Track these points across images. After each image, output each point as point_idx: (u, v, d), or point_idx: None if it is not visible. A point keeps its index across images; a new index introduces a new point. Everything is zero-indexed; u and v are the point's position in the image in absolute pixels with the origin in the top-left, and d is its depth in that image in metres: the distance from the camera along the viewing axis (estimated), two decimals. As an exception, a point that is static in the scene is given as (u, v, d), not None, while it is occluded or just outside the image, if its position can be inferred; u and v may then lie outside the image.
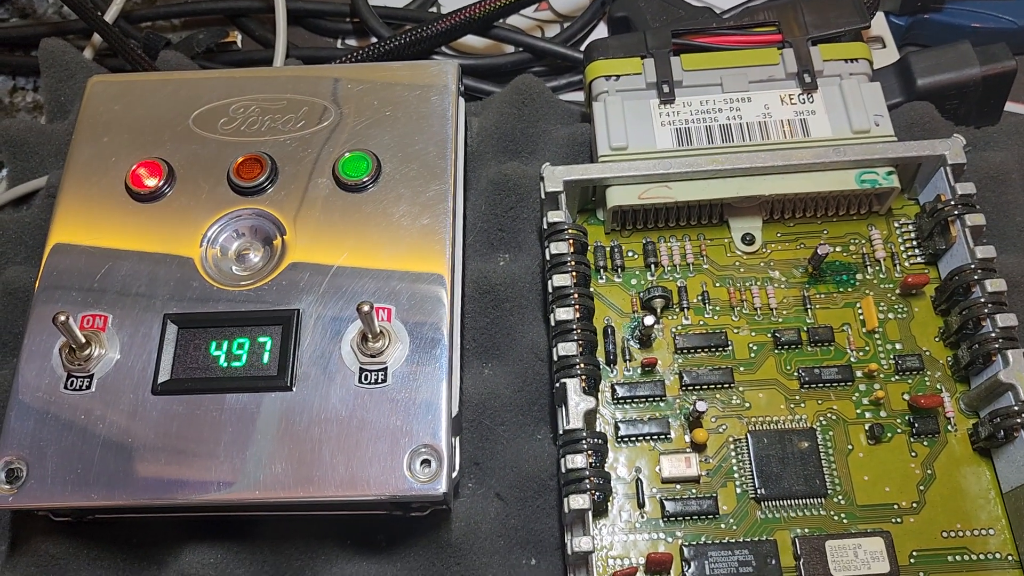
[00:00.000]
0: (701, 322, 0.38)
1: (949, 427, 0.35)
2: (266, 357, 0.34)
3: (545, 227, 0.37)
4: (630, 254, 0.39)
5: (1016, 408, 0.33)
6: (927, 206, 0.38)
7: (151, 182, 0.37)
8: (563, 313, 0.35)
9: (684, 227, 0.39)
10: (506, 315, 0.39)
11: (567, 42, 0.50)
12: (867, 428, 0.35)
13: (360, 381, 0.33)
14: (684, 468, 0.35)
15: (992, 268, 0.35)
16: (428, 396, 0.33)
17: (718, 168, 0.37)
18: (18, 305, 0.39)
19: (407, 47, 0.47)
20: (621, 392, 0.36)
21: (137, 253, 0.36)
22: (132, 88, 0.40)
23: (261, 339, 0.34)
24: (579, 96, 0.48)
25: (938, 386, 0.36)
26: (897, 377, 0.36)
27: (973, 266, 0.35)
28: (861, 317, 0.37)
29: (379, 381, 0.33)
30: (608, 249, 0.39)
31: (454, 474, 0.33)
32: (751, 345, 0.37)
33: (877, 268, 0.38)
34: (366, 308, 0.32)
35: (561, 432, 0.34)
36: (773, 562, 0.33)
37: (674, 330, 0.37)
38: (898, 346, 0.37)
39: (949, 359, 0.36)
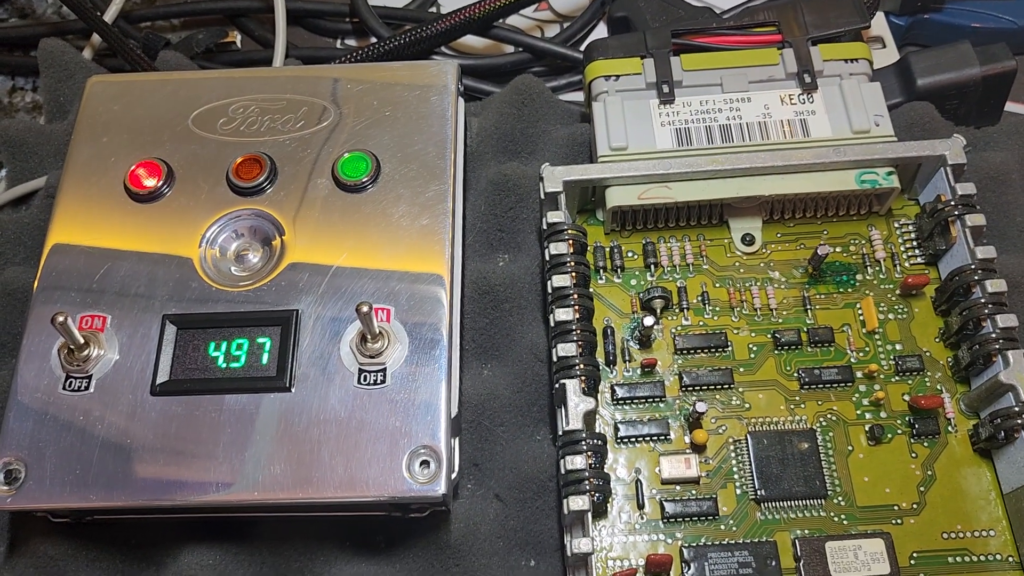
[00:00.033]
0: (701, 323, 0.37)
1: (949, 428, 0.35)
2: (265, 358, 0.34)
3: (545, 227, 0.37)
4: (630, 254, 0.39)
5: (1017, 409, 0.33)
6: (927, 206, 0.38)
7: (150, 182, 0.37)
8: (562, 314, 0.35)
9: (684, 227, 0.39)
10: (505, 316, 0.38)
11: (567, 42, 0.50)
12: (867, 429, 0.35)
13: (359, 382, 0.33)
14: (684, 469, 0.34)
15: (992, 268, 0.35)
16: (427, 397, 0.33)
17: (718, 168, 0.37)
18: (17, 306, 0.39)
19: (407, 47, 0.47)
20: (621, 393, 0.36)
21: (136, 254, 0.36)
22: (131, 88, 0.40)
23: (260, 340, 0.34)
24: (579, 96, 0.48)
25: (938, 387, 0.36)
26: (897, 378, 0.36)
27: (973, 266, 0.35)
28: (861, 318, 0.37)
29: (378, 382, 0.33)
30: (608, 249, 0.39)
31: (453, 475, 0.33)
32: (751, 346, 0.37)
33: (877, 268, 0.38)
34: (365, 309, 0.32)
35: (560, 433, 0.34)
36: (773, 563, 0.33)
37: (674, 331, 0.37)
38: (898, 347, 0.37)
39: (949, 360, 0.36)
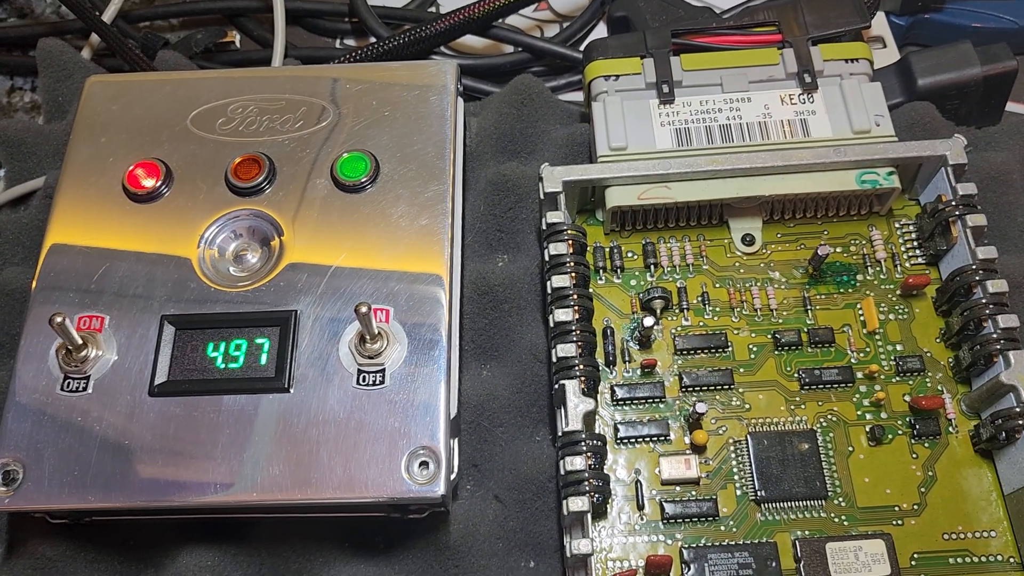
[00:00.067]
0: (701, 323, 0.37)
1: (950, 429, 0.35)
2: (264, 358, 0.34)
3: (544, 228, 0.37)
4: (629, 255, 0.39)
5: (1018, 409, 0.33)
6: (928, 206, 0.38)
7: (149, 183, 0.37)
8: (562, 314, 0.35)
9: (684, 228, 0.39)
10: (505, 316, 0.38)
11: (566, 42, 0.50)
12: (868, 430, 0.35)
13: (358, 382, 0.33)
14: (684, 470, 0.34)
15: (993, 269, 0.35)
16: (426, 398, 0.33)
17: (718, 168, 0.37)
18: (15, 306, 0.39)
19: (406, 47, 0.47)
20: (620, 393, 0.36)
21: (134, 254, 0.36)
22: (130, 88, 0.40)
23: (259, 340, 0.34)
24: (578, 96, 0.48)
25: (939, 387, 0.36)
26: (898, 378, 0.36)
27: (974, 267, 0.35)
28: (862, 318, 0.37)
29: (377, 382, 0.33)
30: (607, 250, 0.39)
31: (452, 476, 0.33)
32: (751, 346, 0.37)
33: (878, 269, 0.38)
34: (364, 309, 0.31)
35: (560, 434, 0.33)
36: (773, 564, 0.33)
37: (674, 331, 0.37)
38: (899, 347, 0.37)
39: (950, 360, 0.36)
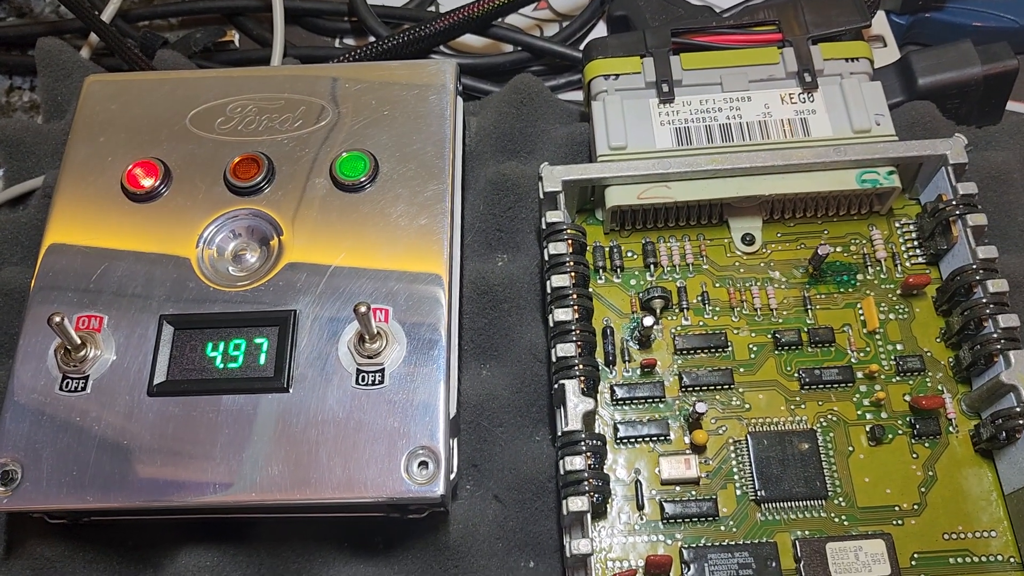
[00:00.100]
0: (701, 323, 0.37)
1: (950, 428, 0.35)
2: (263, 358, 0.34)
3: (544, 227, 0.37)
4: (629, 254, 0.39)
5: (1018, 409, 0.33)
6: (928, 206, 0.38)
7: (147, 182, 0.37)
8: (562, 314, 0.35)
9: (684, 227, 0.39)
10: (504, 316, 0.38)
11: (566, 41, 0.50)
12: (868, 429, 0.35)
13: (357, 382, 0.33)
14: (684, 470, 0.34)
15: (994, 268, 0.35)
16: (426, 397, 0.33)
17: (718, 168, 0.37)
18: (14, 306, 0.39)
19: (405, 46, 0.46)
20: (620, 393, 0.36)
21: (133, 253, 0.36)
22: (129, 88, 0.40)
23: (258, 340, 0.34)
24: (578, 95, 0.48)
25: (939, 387, 0.36)
26: (898, 378, 0.36)
27: (975, 266, 0.35)
28: (862, 318, 0.37)
29: (376, 382, 0.33)
30: (607, 249, 0.39)
31: (452, 476, 0.33)
32: (751, 346, 0.37)
33: (878, 268, 0.38)
34: (363, 309, 0.31)
35: (560, 434, 0.33)
36: (773, 564, 0.33)
37: (673, 331, 0.37)
38: (899, 347, 0.37)
39: (950, 360, 0.36)
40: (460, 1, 0.47)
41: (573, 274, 0.36)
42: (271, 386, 0.33)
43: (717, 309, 0.38)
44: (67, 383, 0.34)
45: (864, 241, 0.39)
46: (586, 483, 0.32)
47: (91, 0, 0.49)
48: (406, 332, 0.34)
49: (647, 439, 0.35)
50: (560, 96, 0.47)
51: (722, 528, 0.34)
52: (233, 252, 0.36)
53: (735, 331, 0.37)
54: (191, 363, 0.34)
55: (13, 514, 0.35)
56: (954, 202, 0.36)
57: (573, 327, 0.35)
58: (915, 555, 0.33)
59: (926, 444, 0.35)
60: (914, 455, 0.35)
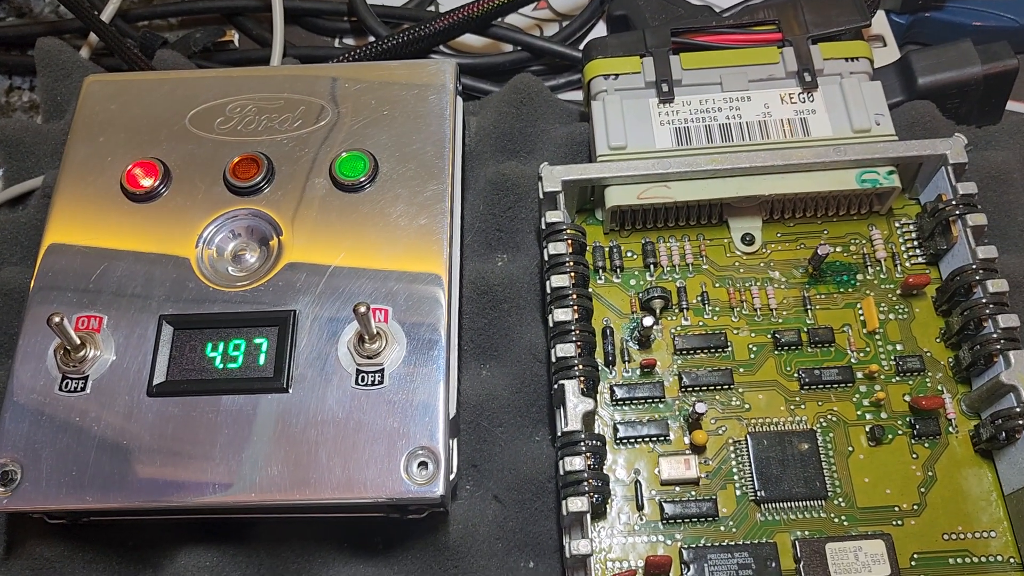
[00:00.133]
0: (700, 323, 0.37)
1: (950, 429, 0.35)
2: (262, 358, 0.34)
3: (543, 227, 0.37)
4: (629, 254, 0.39)
5: (1018, 410, 0.33)
6: (928, 206, 0.38)
7: (147, 182, 0.37)
8: (561, 314, 0.35)
9: (683, 227, 0.39)
10: (504, 316, 0.38)
11: (566, 41, 0.50)
12: (868, 430, 0.35)
13: (357, 383, 0.33)
14: (683, 470, 0.34)
15: (994, 268, 0.35)
16: (425, 398, 0.33)
17: (717, 168, 0.37)
18: (13, 306, 0.39)
19: (405, 46, 0.46)
20: (620, 393, 0.36)
21: (133, 254, 0.36)
22: (128, 87, 0.40)
23: (257, 340, 0.34)
24: (578, 95, 0.48)
25: (939, 387, 0.36)
26: (898, 378, 0.36)
27: (974, 266, 0.35)
28: (862, 318, 0.37)
29: (376, 383, 0.33)
30: (607, 249, 0.39)
31: (451, 476, 0.33)
32: (751, 346, 0.37)
33: (878, 268, 0.38)
34: (363, 309, 0.31)
35: (559, 434, 0.33)
36: (773, 565, 0.33)
37: (673, 331, 0.37)
38: (899, 347, 0.37)
39: (950, 360, 0.36)
40: (460, 1, 0.47)
41: (573, 274, 0.35)
42: (271, 386, 0.33)
43: (717, 309, 0.38)
44: (67, 383, 0.34)
45: (864, 241, 0.39)
46: (586, 483, 0.32)
47: (90, 0, 0.49)
48: (406, 332, 0.34)
49: (647, 439, 0.35)
50: (560, 96, 0.47)
51: (722, 528, 0.34)
52: (233, 252, 0.36)
53: (735, 331, 0.37)
54: (191, 363, 0.34)
55: (13, 514, 0.35)
56: (954, 202, 0.36)
57: (573, 327, 0.35)
58: (915, 555, 0.33)
59: (926, 444, 0.35)
60: (914, 455, 0.35)
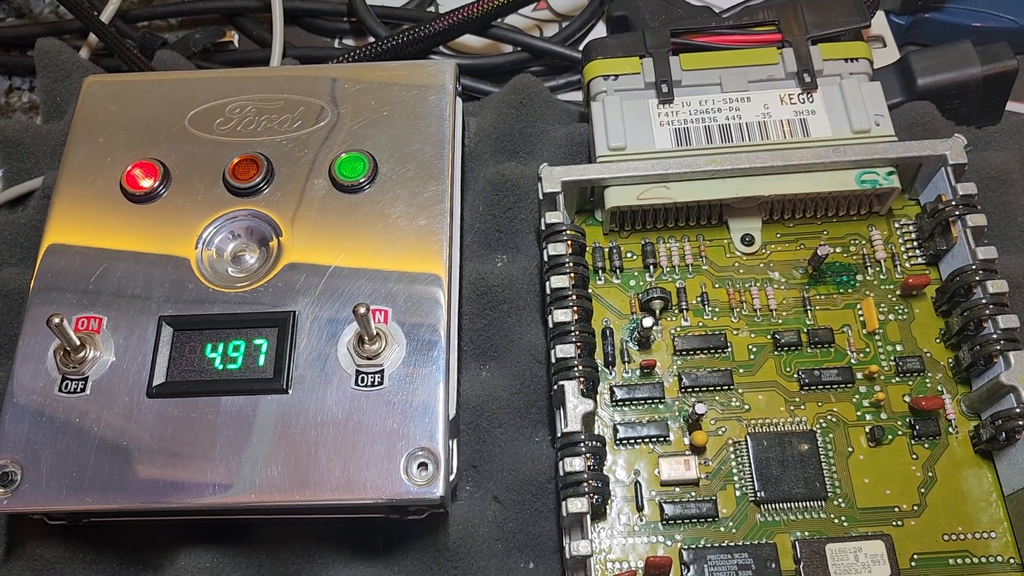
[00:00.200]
0: (700, 324, 0.37)
1: (950, 429, 0.35)
2: (262, 359, 0.34)
3: (543, 228, 0.37)
4: (629, 255, 0.39)
5: (1018, 410, 0.33)
6: (928, 206, 0.38)
7: (146, 183, 0.37)
8: (561, 315, 0.35)
9: (683, 228, 0.39)
10: (504, 317, 0.38)
11: (565, 41, 0.50)
12: (867, 430, 0.35)
13: (356, 383, 0.33)
14: (683, 471, 0.34)
15: (993, 269, 0.35)
16: (425, 398, 0.33)
17: (717, 168, 0.37)
18: (13, 307, 0.39)
19: (404, 47, 0.46)
20: (620, 394, 0.36)
21: (132, 254, 0.36)
22: (128, 88, 0.40)
23: (257, 341, 0.34)
24: (577, 96, 0.48)
25: (939, 388, 0.36)
26: (898, 379, 0.36)
27: (974, 267, 0.35)
28: (861, 318, 0.37)
29: (376, 383, 0.33)
30: (606, 250, 0.39)
31: (451, 477, 0.33)
32: (751, 347, 0.37)
33: (877, 269, 0.38)
34: (362, 310, 0.31)
35: (559, 435, 0.33)
36: (773, 565, 0.33)
37: (673, 332, 0.37)
38: (899, 347, 0.37)
39: (950, 361, 0.36)
40: (459, 1, 0.47)
41: (572, 275, 0.35)
42: (270, 387, 0.33)
43: (717, 310, 0.38)
44: (66, 384, 0.34)
45: (864, 242, 0.39)
46: (586, 484, 0.32)
47: (90, 1, 0.49)
48: (405, 333, 0.34)
49: (647, 440, 0.35)
50: (559, 96, 0.47)
51: (722, 529, 0.34)
52: (232, 253, 0.36)
53: (735, 332, 0.37)
54: (190, 364, 0.34)
55: (13, 515, 0.35)
56: (953, 202, 0.36)
57: (572, 328, 0.35)
58: (915, 556, 0.33)
59: (926, 445, 0.35)
60: (914, 456, 0.35)
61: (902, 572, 0.32)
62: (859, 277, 0.38)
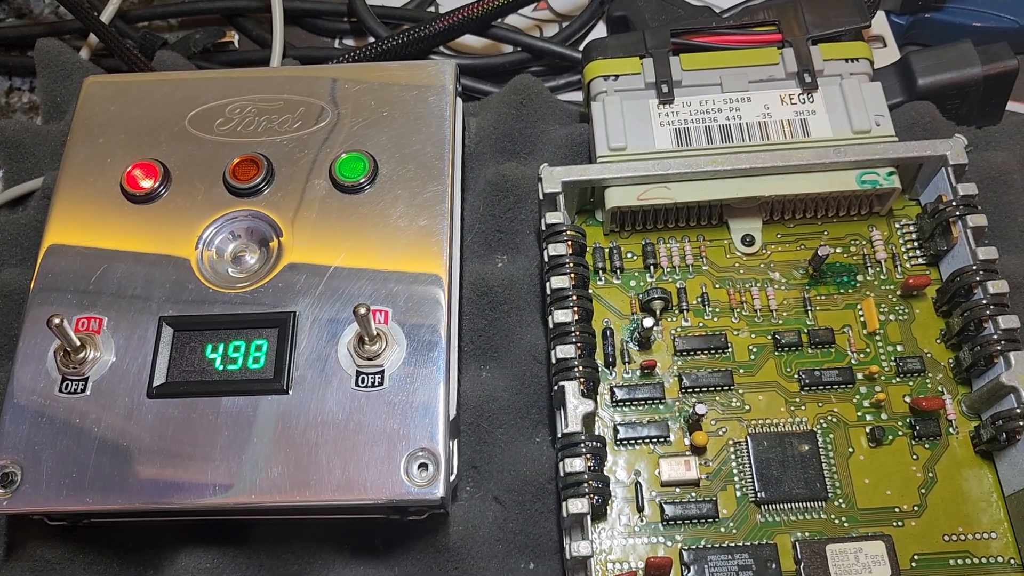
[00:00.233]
0: (701, 324, 0.37)
1: (951, 430, 0.35)
2: (262, 360, 0.34)
3: (543, 228, 0.37)
4: (629, 255, 0.39)
5: (1018, 411, 0.33)
6: (928, 207, 0.38)
7: (147, 183, 0.37)
8: (561, 315, 0.35)
9: (683, 228, 0.39)
10: (504, 317, 0.38)
11: (565, 42, 0.50)
12: (868, 431, 0.35)
13: (357, 384, 0.33)
14: (684, 471, 0.34)
15: (994, 269, 0.35)
16: (425, 399, 0.33)
17: (717, 169, 0.37)
18: (13, 307, 0.39)
19: (405, 47, 0.46)
20: (620, 395, 0.36)
21: (133, 255, 0.36)
22: (128, 89, 0.40)
23: (257, 342, 0.34)
24: (578, 96, 0.48)
25: (939, 388, 0.36)
26: (898, 379, 0.36)
27: (975, 267, 0.35)
28: (862, 319, 0.37)
29: (376, 384, 0.33)
30: (607, 250, 0.39)
31: (452, 478, 0.33)
32: (751, 347, 0.37)
33: (878, 269, 0.38)
34: (363, 310, 0.31)
35: (560, 435, 0.33)
36: (773, 566, 0.33)
37: (673, 332, 0.37)
38: (899, 348, 0.36)
39: (951, 361, 0.36)
40: (460, 1, 0.47)
41: (573, 275, 0.35)
42: (271, 388, 0.33)
43: (717, 310, 0.37)
44: (67, 385, 0.34)
45: (864, 242, 0.39)
46: (586, 485, 0.32)
47: (90, 1, 0.49)
48: (406, 334, 0.34)
49: (647, 441, 0.35)
50: (560, 97, 0.47)
51: (722, 530, 0.34)
52: (233, 253, 0.36)
53: (735, 332, 0.37)
54: (191, 365, 0.34)
55: (13, 516, 0.35)
56: (954, 203, 0.36)
57: (573, 328, 0.35)
58: (915, 557, 0.33)
59: (926, 445, 0.35)
60: (914, 456, 0.35)
61: (902, 573, 0.32)
62: (859, 277, 0.38)
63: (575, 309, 0.35)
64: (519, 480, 0.35)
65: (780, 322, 0.37)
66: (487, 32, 0.49)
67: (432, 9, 0.53)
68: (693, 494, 0.34)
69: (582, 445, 0.33)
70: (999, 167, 0.40)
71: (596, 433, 0.35)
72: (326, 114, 0.39)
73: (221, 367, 0.34)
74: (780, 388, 0.36)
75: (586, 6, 0.51)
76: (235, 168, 0.37)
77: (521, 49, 0.49)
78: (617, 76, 0.40)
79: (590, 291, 0.37)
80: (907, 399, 0.35)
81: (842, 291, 0.38)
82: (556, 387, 0.34)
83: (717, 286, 0.38)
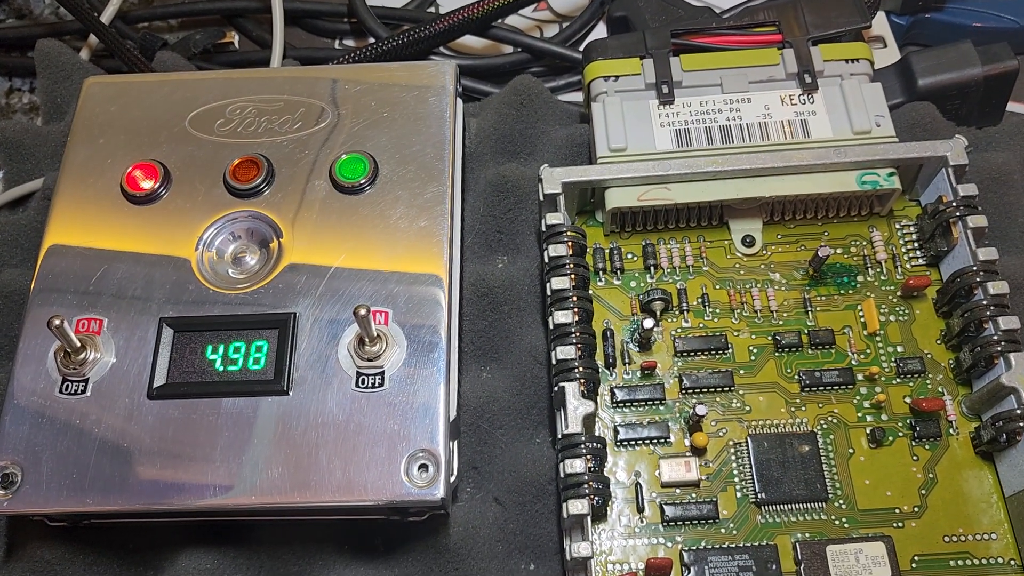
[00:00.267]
0: (701, 325, 0.37)
1: (951, 430, 0.35)
2: (263, 361, 0.34)
3: (543, 229, 0.37)
4: (629, 256, 0.39)
5: (1019, 411, 0.33)
6: (928, 207, 0.38)
7: (147, 184, 0.37)
8: (562, 316, 0.35)
9: (684, 229, 0.39)
10: (504, 318, 0.38)
11: (566, 42, 0.50)
12: (868, 432, 0.35)
13: (357, 385, 0.33)
14: (684, 472, 0.34)
15: (994, 270, 0.35)
16: (426, 400, 0.33)
17: (718, 169, 0.37)
18: (13, 308, 0.39)
19: (405, 47, 0.46)
20: (620, 396, 0.36)
21: (133, 256, 0.36)
22: (128, 89, 0.40)
23: (258, 343, 0.34)
24: (578, 97, 0.48)
25: (940, 389, 0.36)
26: (898, 380, 0.36)
27: (975, 268, 0.35)
28: (862, 319, 0.37)
29: (376, 385, 0.33)
30: (607, 251, 0.39)
31: (452, 479, 0.33)
32: (751, 348, 0.37)
33: (878, 270, 0.38)
34: (363, 311, 0.31)
35: (560, 436, 0.33)
36: (774, 567, 0.33)
37: (674, 333, 0.37)
38: (899, 349, 0.36)
39: (951, 362, 0.36)
40: (460, 2, 0.47)
41: (573, 276, 0.35)
42: (271, 389, 0.33)
43: (717, 311, 0.37)
44: (67, 386, 0.34)
45: (864, 243, 0.39)
46: (586, 486, 0.32)
47: (90, 2, 0.49)
48: (406, 334, 0.34)
49: (647, 441, 0.35)
50: (560, 97, 0.47)
51: (722, 531, 0.34)
52: (233, 254, 0.36)
53: (735, 333, 0.37)
54: (191, 366, 0.34)
55: (13, 517, 0.35)
56: (954, 203, 0.36)
57: (573, 329, 0.35)
58: (915, 558, 0.33)
59: (926, 446, 0.35)
60: (914, 457, 0.35)
61: (903, 573, 0.32)
62: (860, 278, 0.38)
63: (575, 310, 0.35)
64: (519, 481, 0.35)
65: (780, 323, 0.37)
66: (487, 33, 0.49)
67: (432, 10, 0.53)
68: (693, 495, 0.34)
69: (582, 446, 0.33)
70: (999, 168, 0.40)
71: (596, 434, 0.35)
72: (326, 115, 0.39)
73: (221, 368, 0.34)
74: (780, 389, 0.36)
75: (586, 7, 0.51)
76: (235, 169, 0.37)
77: (521, 50, 0.49)
78: (617, 77, 0.40)
79: (590, 292, 0.37)
80: (907, 400, 0.35)
81: (842, 292, 0.38)
82: (556, 388, 0.34)
83: (717, 287, 0.38)
